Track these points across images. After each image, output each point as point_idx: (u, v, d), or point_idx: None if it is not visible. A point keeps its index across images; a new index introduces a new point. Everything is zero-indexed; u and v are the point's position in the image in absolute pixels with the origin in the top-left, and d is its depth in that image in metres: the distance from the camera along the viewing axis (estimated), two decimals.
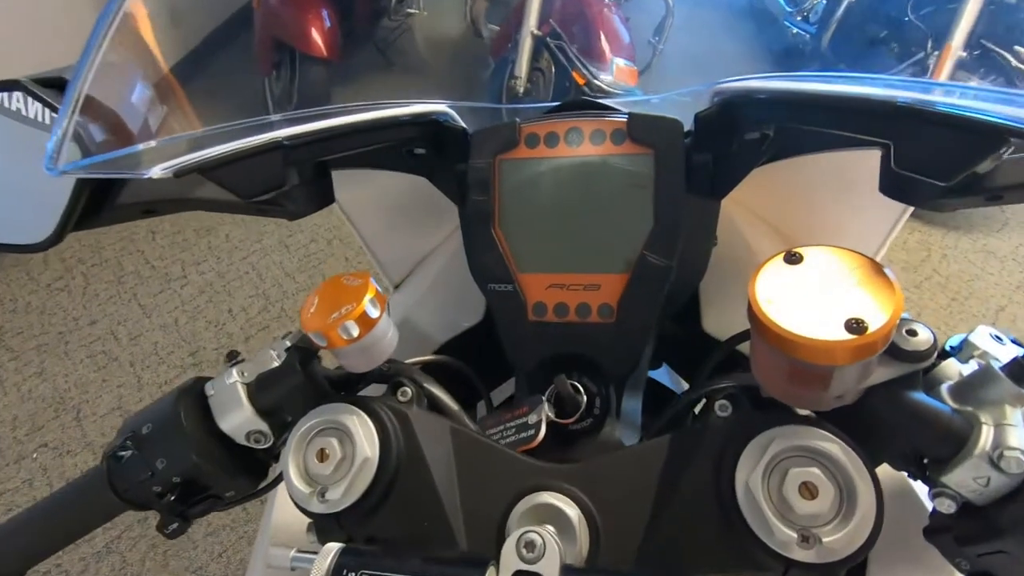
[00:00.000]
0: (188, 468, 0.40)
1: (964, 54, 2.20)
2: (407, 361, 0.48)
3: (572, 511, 0.34)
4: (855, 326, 0.28)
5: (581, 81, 1.97)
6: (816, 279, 0.31)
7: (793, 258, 0.32)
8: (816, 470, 0.30)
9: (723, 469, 0.32)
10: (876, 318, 0.28)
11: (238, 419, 0.40)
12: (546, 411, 0.43)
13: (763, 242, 0.57)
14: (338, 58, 2.40)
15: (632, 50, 2.20)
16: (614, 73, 2.01)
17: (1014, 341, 0.39)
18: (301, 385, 0.40)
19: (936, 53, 2.22)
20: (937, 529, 0.32)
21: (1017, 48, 2.11)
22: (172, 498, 0.39)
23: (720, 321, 0.56)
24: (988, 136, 0.27)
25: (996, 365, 0.32)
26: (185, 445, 0.39)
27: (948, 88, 0.33)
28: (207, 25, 3.35)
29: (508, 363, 0.49)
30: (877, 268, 0.31)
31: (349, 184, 0.66)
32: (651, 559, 0.33)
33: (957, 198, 0.36)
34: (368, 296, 0.35)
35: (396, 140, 0.45)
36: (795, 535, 0.29)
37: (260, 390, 0.41)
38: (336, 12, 2.43)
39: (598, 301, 0.45)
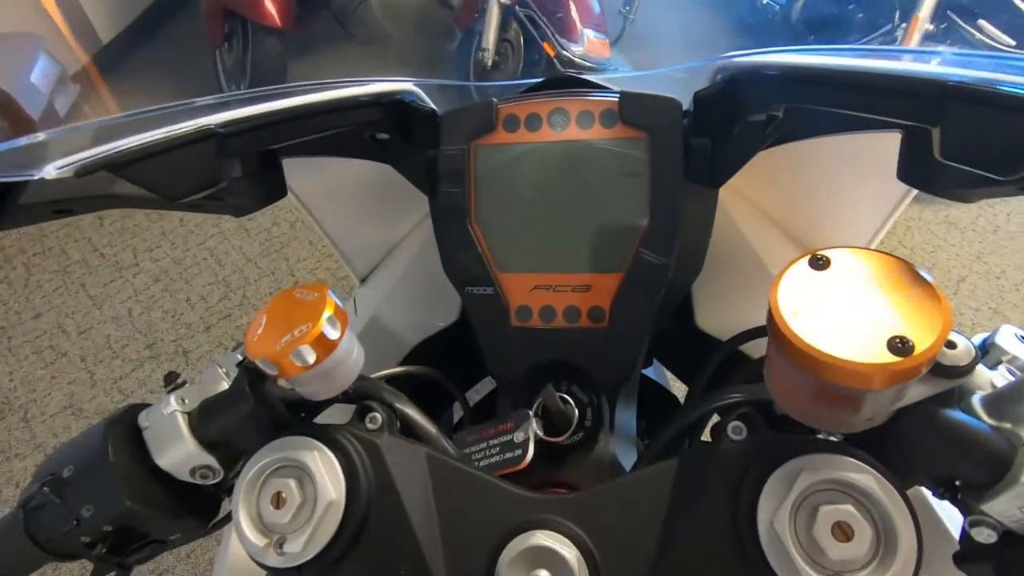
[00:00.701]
0: (120, 514, 0.34)
1: (931, 26, 2.20)
2: (375, 375, 0.43)
3: (569, 553, 0.30)
4: (900, 346, 0.24)
5: (551, 52, 1.90)
6: (848, 287, 0.27)
7: (819, 262, 0.28)
8: (851, 507, 0.26)
9: (742, 504, 0.28)
10: (922, 336, 0.24)
11: (179, 454, 0.35)
12: (534, 428, 0.39)
13: (757, 231, 0.53)
14: (293, 28, 2.26)
15: (603, 20, 2.13)
16: (585, 44, 1.94)
17: None
18: (252, 412, 0.35)
19: (904, 25, 2.22)
20: (971, 557, 0.29)
21: (981, 21, 2.12)
22: (104, 549, 0.34)
23: (715, 318, 0.53)
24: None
25: None
26: (115, 489, 0.34)
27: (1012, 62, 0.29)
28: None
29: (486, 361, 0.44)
30: (915, 274, 0.27)
31: (304, 171, 0.59)
32: None
33: (988, 188, 0.33)
34: (326, 314, 0.30)
35: (355, 124, 0.39)
36: None
37: (204, 419, 0.35)
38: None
39: (588, 304, 0.41)
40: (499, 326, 0.42)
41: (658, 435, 0.37)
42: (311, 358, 0.29)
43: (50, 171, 0.28)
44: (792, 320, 0.26)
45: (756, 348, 0.48)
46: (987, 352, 0.35)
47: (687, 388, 0.69)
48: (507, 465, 0.39)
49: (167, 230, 2.27)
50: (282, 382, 0.35)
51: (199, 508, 0.37)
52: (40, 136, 0.32)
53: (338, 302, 0.31)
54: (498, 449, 0.40)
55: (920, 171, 0.33)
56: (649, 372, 0.66)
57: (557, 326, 0.41)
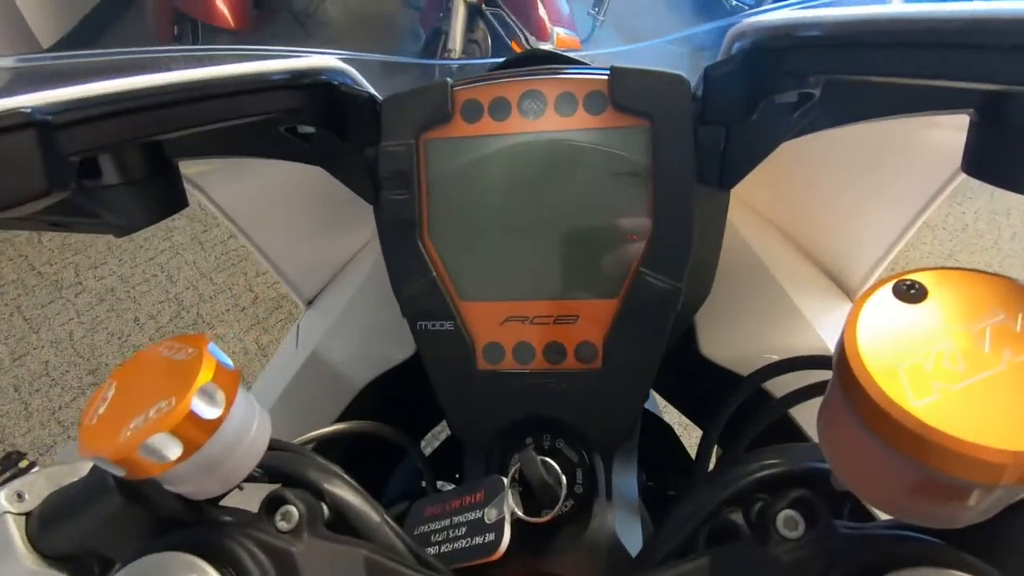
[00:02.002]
0: None
1: None
2: (302, 438, 0.33)
3: None
4: None
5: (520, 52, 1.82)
6: (960, 328, 0.18)
7: (912, 292, 0.20)
8: None
9: None
10: None
11: (8, 574, 0.25)
12: (510, 503, 0.30)
13: (766, 243, 0.46)
14: (247, 29, 2.13)
15: (572, 21, 2.06)
16: (555, 43, 1.87)
17: None
18: (121, 511, 0.25)
19: None
20: None
21: None
22: None
23: (721, 343, 0.44)
24: None
25: None
26: None
27: None
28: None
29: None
30: None
31: (228, 178, 0.49)
32: None
33: None
34: (199, 384, 0.20)
35: (265, 113, 0.30)
36: None
37: (50, 523, 0.25)
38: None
39: (576, 339, 0.32)
40: (462, 371, 0.33)
41: (671, 514, 0.28)
42: (174, 452, 0.20)
43: None
44: (885, 381, 0.18)
45: (776, 383, 0.40)
46: None
47: (686, 417, 0.61)
48: (476, 555, 0.30)
49: (113, 245, 2.11)
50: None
51: None
52: None
53: (223, 361, 0.22)
54: (464, 530, 0.31)
55: (1004, 158, 0.25)
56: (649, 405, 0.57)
57: (537, 368, 0.32)
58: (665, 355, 0.45)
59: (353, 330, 0.52)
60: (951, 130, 0.41)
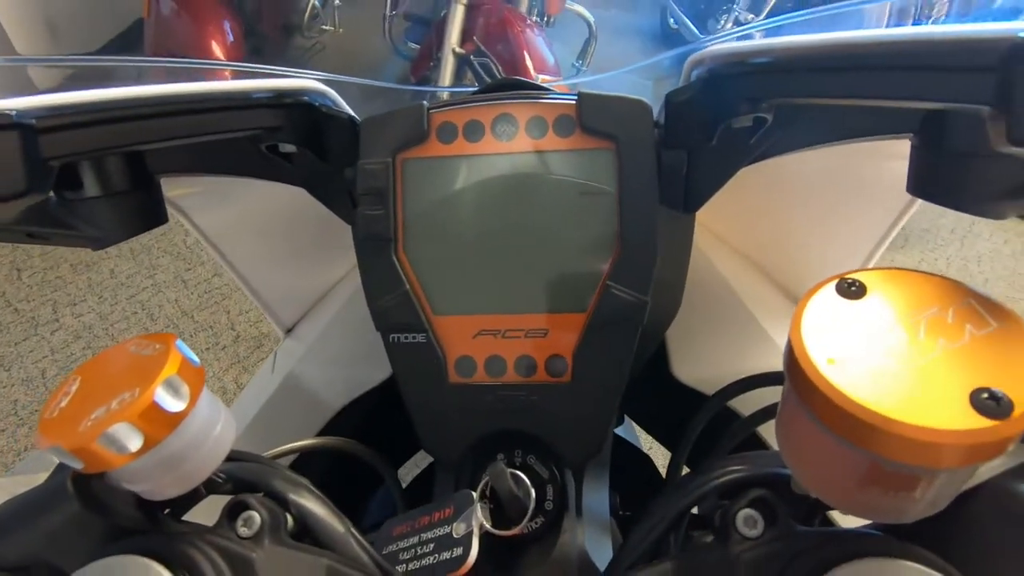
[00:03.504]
0: None
1: None
2: (273, 451, 0.33)
3: None
4: (990, 404, 0.17)
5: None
6: (898, 322, 0.19)
7: (852, 289, 0.21)
8: None
9: None
10: (1020, 387, 0.17)
11: None
12: (478, 517, 0.30)
13: (734, 267, 0.47)
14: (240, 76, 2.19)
15: (557, 71, 2.15)
16: None
17: None
18: (78, 518, 0.24)
19: None
20: None
21: None
22: None
23: (692, 365, 0.45)
24: None
25: None
26: None
27: None
28: (94, 41, 3.03)
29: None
30: (985, 301, 0.20)
31: (210, 202, 0.50)
32: None
33: (1014, 199, 0.27)
34: (164, 376, 0.21)
35: (247, 129, 0.31)
36: None
37: (6, 530, 0.25)
38: (240, 26, 2.23)
39: (546, 352, 0.32)
40: (433, 384, 0.33)
41: (639, 523, 0.28)
42: (134, 443, 0.20)
43: None
44: (829, 371, 0.18)
45: (744, 402, 0.41)
46: None
47: (662, 446, 0.61)
48: (444, 569, 0.29)
49: (94, 282, 2.09)
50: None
51: None
52: None
53: (189, 357, 0.22)
54: (432, 547, 0.30)
55: (942, 179, 0.27)
56: (617, 430, 0.57)
57: (508, 381, 0.33)
58: (639, 381, 0.45)
59: (330, 354, 0.52)
60: (903, 160, 0.44)
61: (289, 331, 0.63)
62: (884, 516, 0.21)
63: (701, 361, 0.45)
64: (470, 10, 2.02)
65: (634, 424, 0.65)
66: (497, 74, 1.94)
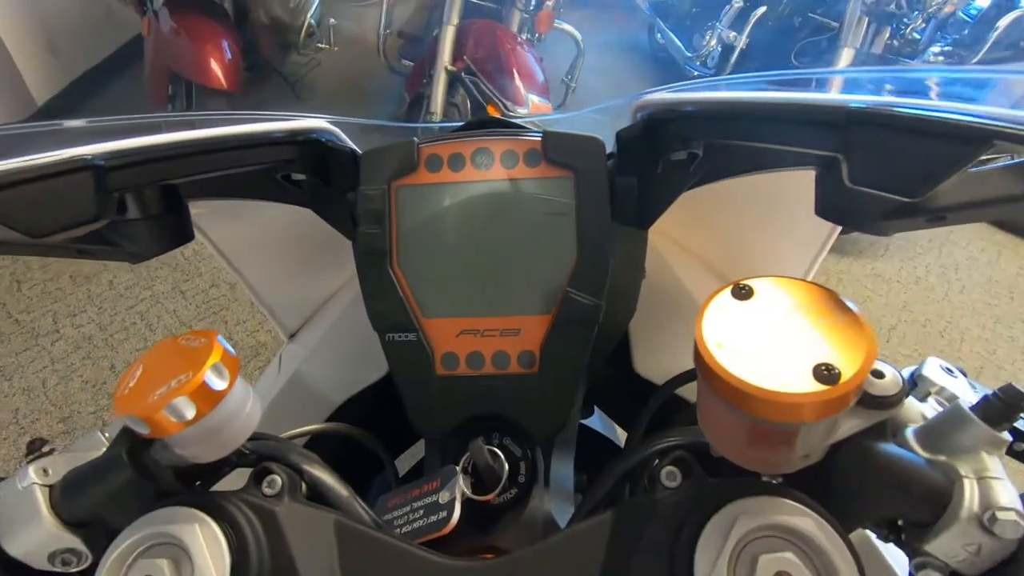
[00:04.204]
0: None
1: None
2: (285, 434, 0.39)
3: None
4: (825, 374, 0.23)
5: (497, 115, 1.96)
6: (772, 317, 0.26)
7: (742, 292, 0.27)
8: (791, 555, 0.24)
9: (678, 558, 0.26)
10: (848, 362, 0.23)
11: (36, 537, 0.29)
12: (460, 487, 0.35)
13: (692, 274, 0.53)
14: (240, 91, 2.26)
15: (546, 88, 2.23)
16: (530, 108, 2.02)
17: (960, 371, 0.36)
18: (132, 482, 0.30)
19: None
20: None
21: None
22: None
23: (652, 362, 0.51)
24: (969, 141, 0.24)
25: (963, 404, 0.28)
26: None
27: (920, 82, 0.30)
28: (92, 56, 3.09)
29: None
30: (839, 302, 0.26)
31: (224, 219, 0.56)
32: None
33: (901, 220, 0.33)
34: (211, 362, 0.26)
35: (266, 163, 0.37)
36: None
37: (70, 493, 0.30)
38: (238, 44, 2.30)
39: (518, 348, 0.38)
40: (423, 375, 0.39)
41: (592, 488, 0.34)
42: (189, 412, 0.26)
43: None
44: (717, 352, 0.25)
45: (691, 390, 0.47)
46: (915, 385, 0.34)
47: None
48: (431, 530, 0.35)
49: (94, 294, 2.13)
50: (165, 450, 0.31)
51: None
52: None
53: (228, 349, 0.28)
54: (422, 512, 0.36)
55: (836, 205, 0.33)
56: (595, 423, 0.63)
57: (486, 373, 0.39)
58: (606, 376, 0.52)
59: (330, 356, 0.57)
60: None
61: (292, 336, 0.69)
62: (772, 468, 0.27)
63: (659, 357, 0.51)
64: (462, 29, 2.10)
65: (612, 422, 0.71)
66: (488, 92, 2.01)
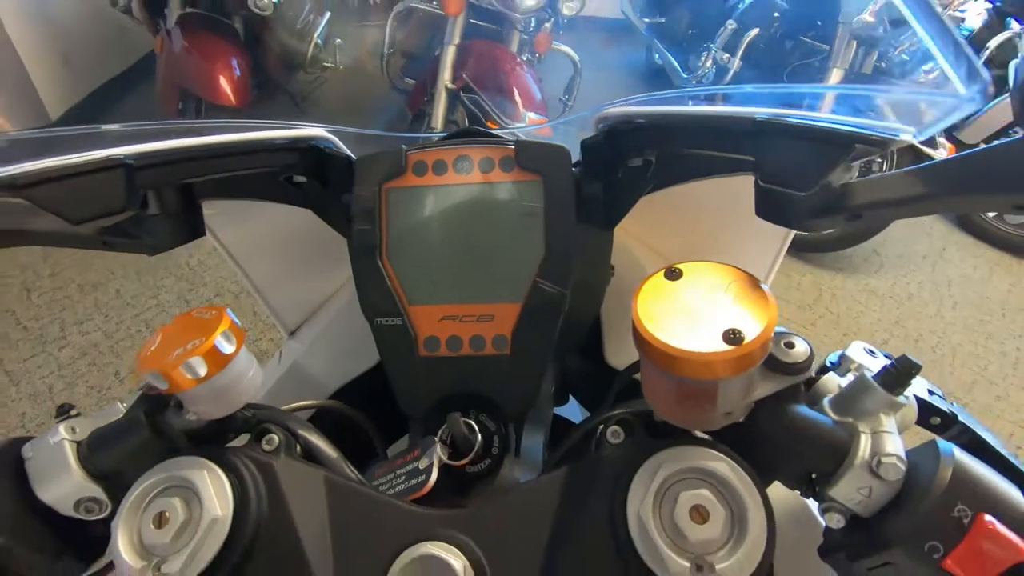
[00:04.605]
0: None
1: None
2: (283, 407, 0.43)
3: (457, 562, 0.30)
4: (732, 337, 0.27)
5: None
6: (695, 294, 0.30)
7: (673, 274, 0.32)
8: (706, 492, 0.28)
9: (616, 501, 0.30)
10: (752, 328, 0.28)
11: (64, 486, 0.34)
12: (438, 454, 0.40)
13: (647, 263, 0.58)
14: (248, 107, 2.34)
15: (544, 107, 2.30)
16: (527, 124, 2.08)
17: (886, 355, 0.40)
18: (148, 441, 0.35)
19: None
20: (830, 548, 0.32)
21: None
22: None
23: (621, 352, 0.56)
24: (837, 144, 0.29)
25: (868, 374, 0.32)
26: None
27: (810, 96, 0.35)
28: (105, 72, 3.19)
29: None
30: (753, 281, 0.31)
31: (232, 221, 0.61)
32: None
33: (822, 218, 0.38)
34: (221, 330, 0.31)
35: (271, 166, 0.42)
36: (689, 564, 0.27)
37: (95, 449, 0.35)
38: (246, 62, 2.38)
39: (492, 332, 0.43)
40: (407, 356, 0.43)
41: (553, 454, 0.39)
42: (202, 371, 0.30)
43: None
44: (648, 324, 0.29)
45: None
46: (840, 364, 0.39)
47: None
48: (411, 492, 0.39)
49: (101, 302, 2.19)
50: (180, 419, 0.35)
51: (82, 546, 0.35)
52: None
53: (236, 321, 0.33)
54: (404, 478, 0.41)
55: (762, 203, 0.38)
56: (570, 413, 0.68)
57: (464, 354, 0.43)
58: (580, 367, 0.56)
59: (327, 348, 0.62)
60: None
61: (292, 333, 0.73)
62: (701, 425, 0.32)
63: (628, 349, 0.55)
64: (462, 49, 2.17)
65: (584, 408, 0.75)
66: (487, 109, 2.08)
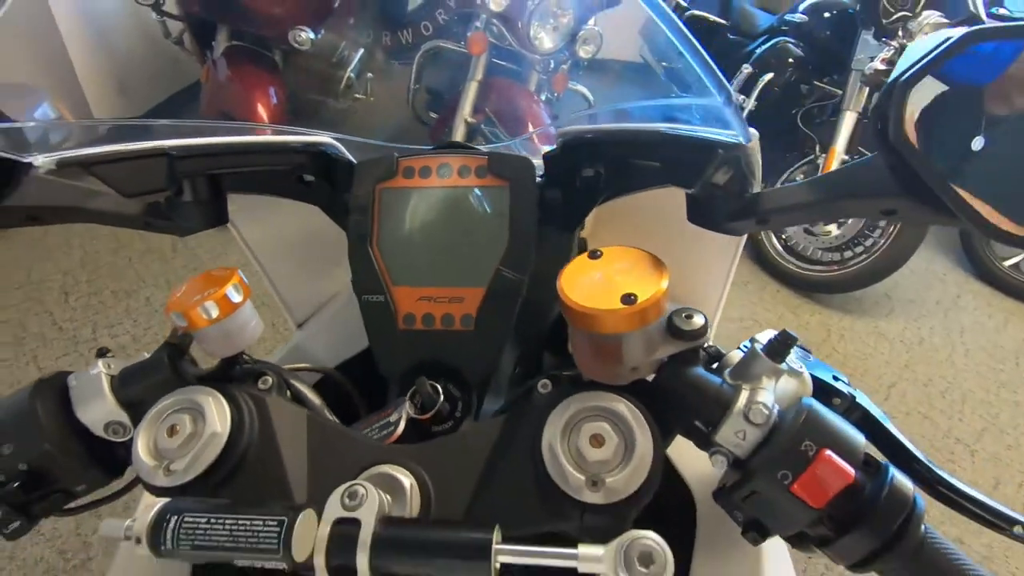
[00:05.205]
0: (37, 456, 0.40)
1: (847, 157, 2.57)
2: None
3: (406, 479, 0.37)
4: (628, 299, 0.34)
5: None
6: (609, 270, 0.38)
7: (595, 255, 0.39)
8: (605, 424, 0.35)
9: (536, 433, 0.37)
10: (644, 293, 0.35)
11: (97, 409, 0.42)
12: (406, 409, 0.47)
13: None
14: None
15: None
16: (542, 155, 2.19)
17: (801, 349, 0.47)
18: (168, 378, 0.42)
19: (823, 156, 2.59)
20: (720, 492, 0.38)
21: None
22: (16, 484, 0.39)
23: None
24: (707, 150, 0.36)
25: (757, 346, 0.39)
26: (36, 432, 0.40)
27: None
28: (154, 98, 3.43)
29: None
30: (656, 262, 0.38)
31: (253, 219, 0.70)
32: (475, 519, 0.36)
33: (738, 221, 0.45)
34: (232, 283, 0.39)
35: (285, 165, 0.51)
36: (584, 479, 0.33)
37: (124, 382, 0.43)
38: (283, 91, 2.56)
39: (461, 312, 0.50)
40: (388, 329, 0.51)
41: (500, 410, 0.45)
42: (215, 312, 0.38)
43: (40, 159, 0.38)
44: (568, 291, 0.37)
45: None
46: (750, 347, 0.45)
47: None
48: (381, 441, 0.46)
49: (131, 308, 2.32)
50: (203, 361, 0.43)
51: (107, 462, 0.43)
52: (31, 124, 0.43)
53: (244, 279, 0.41)
54: (377, 429, 0.48)
55: (693, 212, 0.46)
56: None
57: (435, 329, 0.50)
58: (551, 362, 0.63)
59: (328, 333, 0.70)
60: None
61: (300, 326, 0.82)
62: (614, 379, 0.39)
63: None
64: (483, 86, 2.31)
65: None
66: (503, 138, 2.18)
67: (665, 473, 0.35)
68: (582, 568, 0.30)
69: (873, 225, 2.63)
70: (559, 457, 0.34)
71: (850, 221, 2.69)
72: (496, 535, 0.31)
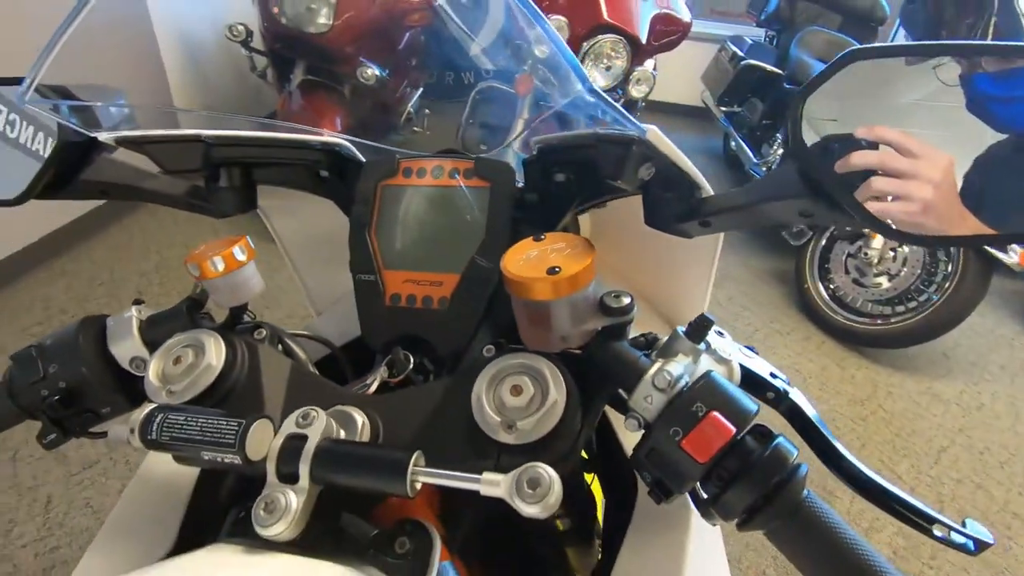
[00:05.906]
0: (74, 376, 0.49)
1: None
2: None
3: (359, 417, 0.43)
4: (552, 270, 0.40)
5: None
6: (547, 250, 0.43)
7: (539, 239, 0.45)
8: (525, 377, 0.40)
9: (472, 387, 0.42)
10: (567, 268, 0.40)
11: (125, 345, 0.50)
12: (381, 372, 0.53)
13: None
14: None
15: None
16: None
17: (748, 346, 0.50)
18: (184, 324, 0.51)
19: None
20: (633, 453, 0.41)
21: None
22: (56, 398, 0.48)
23: None
24: (625, 144, 0.42)
25: (679, 329, 0.43)
26: (76, 357, 0.49)
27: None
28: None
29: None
30: (587, 244, 0.43)
31: (284, 211, 0.80)
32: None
33: (684, 223, 0.50)
34: (238, 244, 0.48)
35: (304, 160, 0.60)
36: (501, 420, 0.38)
37: (150, 325, 0.51)
38: (348, 121, 2.78)
39: (439, 294, 0.57)
40: (376, 305, 0.58)
41: None
42: (220, 266, 0.46)
43: (103, 135, 0.49)
44: (511, 266, 0.42)
45: None
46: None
47: None
48: None
49: None
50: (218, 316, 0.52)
51: (129, 392, 0.51)
52: (98, 104, 0.54)
53: (251, 242, 0.49)
54: (353, 387, 0.54)
55: (648, 215, 0.51)
56: None
57: (416, 308, 0.57)
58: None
59: (336, 317, 0.78)
60: None
61: (319, 314, 0.90)
62: (546, 346, 0.43)
63: None
64: (531, 124, 2.42)
65: None
66: None
67: (614, 449, 0.40)
68: (483, 491, 0.35)
69: (928, 280, 2.52)
70: (483, 402, 0.39)
71: (902, 274, 2.59)
72: (416, 458, 0.36)
